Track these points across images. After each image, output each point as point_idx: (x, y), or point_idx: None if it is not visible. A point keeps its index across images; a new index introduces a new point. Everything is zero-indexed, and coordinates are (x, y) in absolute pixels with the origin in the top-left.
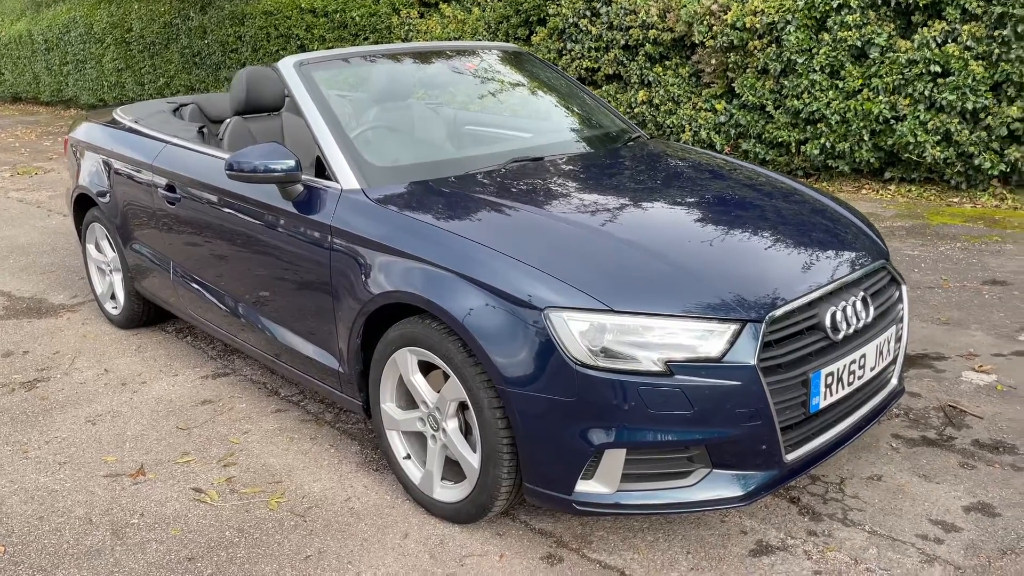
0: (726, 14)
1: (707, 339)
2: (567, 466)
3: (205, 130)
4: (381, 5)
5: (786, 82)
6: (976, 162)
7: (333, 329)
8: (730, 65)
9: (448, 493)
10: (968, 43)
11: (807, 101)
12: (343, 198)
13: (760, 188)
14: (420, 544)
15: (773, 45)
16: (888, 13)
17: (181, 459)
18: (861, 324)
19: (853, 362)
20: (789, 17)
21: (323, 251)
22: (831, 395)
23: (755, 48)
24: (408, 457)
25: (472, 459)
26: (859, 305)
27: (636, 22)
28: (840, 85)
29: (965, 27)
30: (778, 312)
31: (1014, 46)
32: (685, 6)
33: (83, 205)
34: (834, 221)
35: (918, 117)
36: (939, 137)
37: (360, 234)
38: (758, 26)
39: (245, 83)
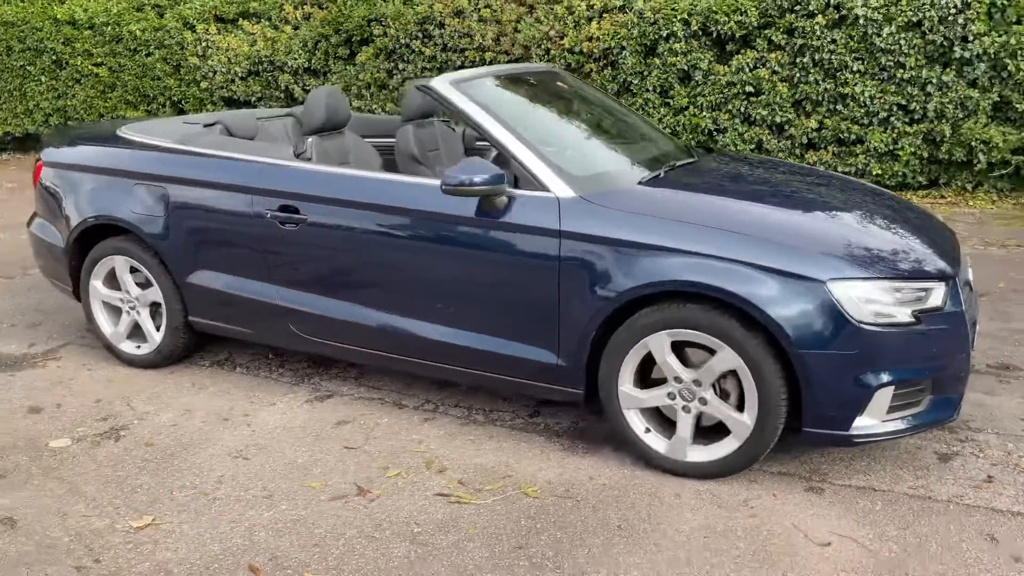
0: (563, 39)
1: (932, 294)
2: (847, 407)
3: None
4: (168, 19)
5: (623, 100)
6: None
7: (555, 326)
8: None
9: (703, 454)
10: (775, 68)
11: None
12: (566, 205)
13: (845, 181)
14: (697, 499)
15: (609, 68)
16: (707, 42)
17: (391, 474)
18: (972, 280)
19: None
20: (624, 44)
21: (549, 256)
22: (975, 335)
23: (592, 70)
24: (648, 431)
25: (742, 418)
26: (970, 267)
27: (471, 45)
28: (670, 103)
29: (772, 55)
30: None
31: (811, 71)
32: (521, 31)
33: (87, 238)
34: (912, 208)
35: (736, 130)
36: (753, 146)
37: (608, 236)
38: (595, 51)
39: (324, 103)
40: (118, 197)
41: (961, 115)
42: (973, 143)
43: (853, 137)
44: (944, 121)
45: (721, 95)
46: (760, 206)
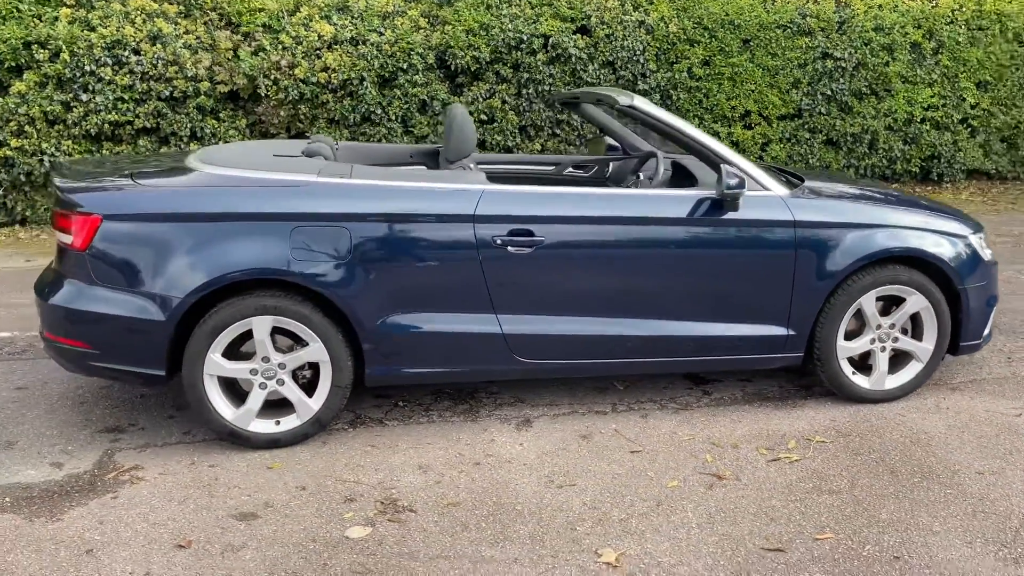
0: (294, 69)
1: (983, 240)
2: (982, 323)
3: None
4: None
5: (367, 129)
6: None
7: (787, 302)
8: (301, 116)
9: (895, 381)
10: (504, 98)
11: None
12: (790, 200)
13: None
14: (911, 413)
15: (348, 98)
16: (441, 76)
17: (708, 459)
18: None
19: None
20: (364, 75)
21: (787, 243)
22: None
23: (329, 100)
24: (855, 373)
25: (926, 346)
26: None
27: (179, 74)
28: (413, 131)
29: (500, 87)
30: None
31: (534, 102)
32: (244, 60)
33: (202, 303)
34: None
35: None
36: None
37: (833, 221)
38: (333, 81)
39: (472, 127)
40: (266, 245)
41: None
42: None
43: None
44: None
45: None
46: (885, 191)
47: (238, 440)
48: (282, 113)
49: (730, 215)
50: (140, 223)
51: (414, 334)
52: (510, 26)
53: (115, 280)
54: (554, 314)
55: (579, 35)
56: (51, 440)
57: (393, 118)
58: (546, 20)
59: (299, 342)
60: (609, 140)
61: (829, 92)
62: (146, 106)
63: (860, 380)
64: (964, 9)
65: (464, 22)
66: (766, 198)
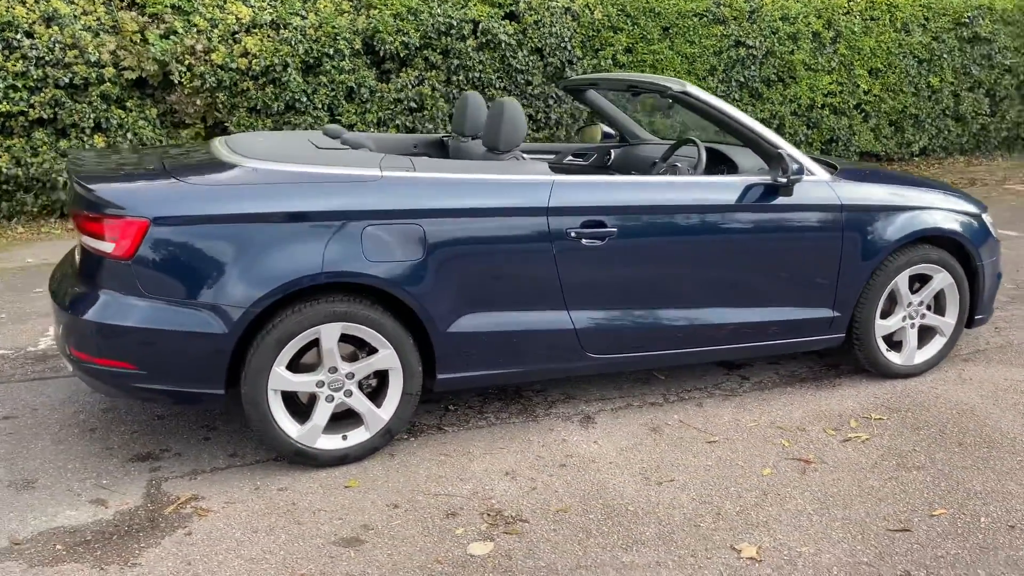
0: (210, 55)
1: (987, 216)
2: (992, 297)
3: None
4: None
5: (291, 119)
6: None
7: (833, 284)
8: (219, 105)
9: (922, 356)
10: (435, 85)
11: None
12: (835, 186)
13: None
14: (943, 385)
15: (271, 86)
16: (368, 62)
17: (785, 444)
18: None
19: None
20: (288, 61)
21: (835, 225)
22: None
23: (250, 87)
24: (889, 350)
25: (949, 320)
26: None
27: (80, 59)
28: (340, 120)
29: (430, 74)
30: None
31: (464, 87)
32: (154, 44)
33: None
34: None
35: None
36: None
37: (875, 203)
38: (255, 68)
39: (522, 117)
40: (338, 245)
41: (571, 122)
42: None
43: None
44: (561, 127)
45: (388, 111)
46: (907, 176)
47: (304, 459)
48: (198, 102)
49: (790, 200)
50: (195, 226)
51: (487, 334)
52: (439, 10)
53: (167, 291)
54: (624, 307)
55: (508, 21)
56: (77, 474)
57: (320, 106)
58: (475, 5)
59: (362, 349)
60: (605, 128)
61: (742, 79)
62: (42, 95)
63: (893, 357)
64: None
65: (391, 6)
66: (816, 183)
